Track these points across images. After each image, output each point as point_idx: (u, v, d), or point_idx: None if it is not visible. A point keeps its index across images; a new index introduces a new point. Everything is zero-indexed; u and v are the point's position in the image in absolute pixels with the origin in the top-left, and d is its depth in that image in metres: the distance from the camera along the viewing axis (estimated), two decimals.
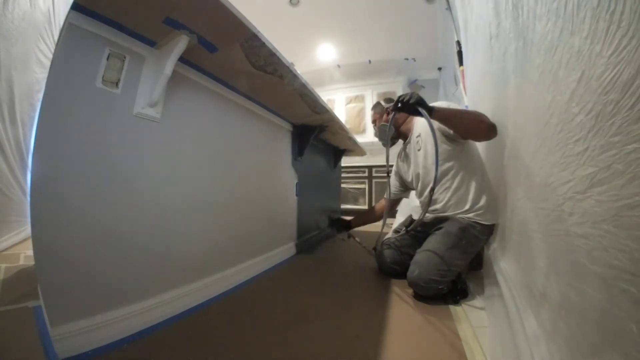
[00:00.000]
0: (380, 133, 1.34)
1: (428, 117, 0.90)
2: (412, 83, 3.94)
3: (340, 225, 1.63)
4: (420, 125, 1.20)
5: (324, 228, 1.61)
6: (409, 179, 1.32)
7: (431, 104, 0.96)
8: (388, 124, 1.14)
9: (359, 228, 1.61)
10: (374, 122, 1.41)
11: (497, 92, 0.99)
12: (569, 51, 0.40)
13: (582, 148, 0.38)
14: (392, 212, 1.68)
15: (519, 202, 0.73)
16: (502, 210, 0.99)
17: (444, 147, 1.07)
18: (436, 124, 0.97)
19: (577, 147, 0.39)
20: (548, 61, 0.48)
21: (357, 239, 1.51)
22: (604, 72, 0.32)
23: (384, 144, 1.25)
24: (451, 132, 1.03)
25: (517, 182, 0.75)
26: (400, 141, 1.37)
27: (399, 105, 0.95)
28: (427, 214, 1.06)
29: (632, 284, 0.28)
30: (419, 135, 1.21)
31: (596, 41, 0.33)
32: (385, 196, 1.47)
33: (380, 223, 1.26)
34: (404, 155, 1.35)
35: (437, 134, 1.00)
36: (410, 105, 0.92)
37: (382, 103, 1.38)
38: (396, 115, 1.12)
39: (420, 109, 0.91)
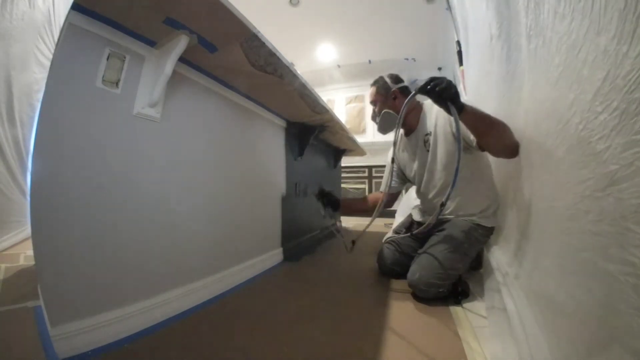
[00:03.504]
0: (383, 122, 1.11)
1: (457, 119, 0.74)
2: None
3: (329, 200, 1.33)
4: (432, 122, 1.07)
5: (314, 203, 1.37)
6: (411, 174, 1.22)
7: None
8: (399, 116, 0.90)
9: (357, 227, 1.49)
10: (373, 102, 1.17)
11: (501, 92, 0.98)
12: (594, 50, 0.40)
13: (604, 146, 0.37)
14: (388, 207, 1.33)
15: (527, 202, 0.73)
16: (506, 211, 0.98)
17: (455, 154, 0.89)
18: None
19: (599, 145, 0.39)
20: (571, 60, 0.47)
21: (340, 230, 1.34)
22: (630, 72, 0.32)
23: (383, 132, 1.10)
24: (471, 139, 0.90)
25: (526, 182, 0.74)
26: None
27: (428, 88, 0.75)
28: (429, 216, 1.04)
29: None
30: (428, 134, 1.08)
31: (622, 42, 0.33)
32: (381, 189, 1.30)
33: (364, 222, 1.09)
34: (406, 147, 1.21)
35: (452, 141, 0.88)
36: (442, 98, 0.74)
37: (387, 80, 1.13)
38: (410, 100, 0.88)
39: (452, 108, 0.74)
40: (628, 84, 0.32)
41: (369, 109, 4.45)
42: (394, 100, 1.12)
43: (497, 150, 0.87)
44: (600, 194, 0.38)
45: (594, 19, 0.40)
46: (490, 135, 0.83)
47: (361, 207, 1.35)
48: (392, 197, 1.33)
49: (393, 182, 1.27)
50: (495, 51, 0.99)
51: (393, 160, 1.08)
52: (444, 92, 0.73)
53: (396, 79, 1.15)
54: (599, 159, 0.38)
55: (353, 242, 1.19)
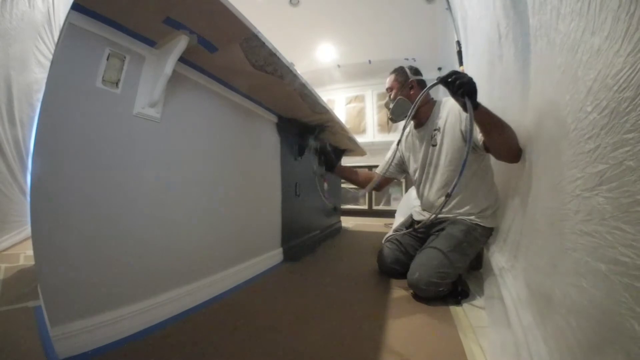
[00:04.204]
0: (396, 108, 1.12)
1: (472, 114, 0.75)
2: None
3: (326, 159, 1.38)
4: (442, 119, 1.09)
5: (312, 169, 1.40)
6: (411, 170, 1.24)
7: None
8: (413, 104, 0.93)
9: (358, 225, 1.53)
10: (390, 88, 1.18)
11: (504, 93, 0.98)
12: (589, 50, 0.40)
13: (593, 145, 0.38)
14: (377, 190, 1.42)
15: (524, 203, 0.73)
16: (505, 212, 0.98)
17: (462, 153, 0.92)
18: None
19: (588, 144, 0.39)
20: (570, 60, 0.47)
21: (325, 184, 1.39)
22: (620, 70, 0.32)
23: (393, 120, 1.13)
24: (478, 138, 0.93)
25: (524, 183, 0.75)
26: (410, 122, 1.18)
27: (449, 80, 0.76)
28: (429, 214, 1.05)
29: (639, 279, 0.29)
30: (437, 129, 1.09)
31: (615, 41, 0.33)
32: (377, 170, 1.33)
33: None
34: (413, 139, 1.22)
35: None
36: (460, 93, 0.75)
37: (407, 71, 1.16)
38: (426, 91, 0.92)
39: (468, 103, 0.75)
40: (618, 83, 0.32)
41: (369, 109, 4.41)
42: (410, 90, 1.14)
43: (501, 152, 0.89)
44: (588, 193, 0.38)
45: (589, 19, 0.40)
46: (498, 137, 0.85)
47: (354, 178, 1.39)
48: (385, 181, 1.37)
49: (391, 168, 1.30)
50: (503, 50, 0.99)
51: (399, 144, 1.11)
52: (463, 86, 0.74)
53: (415, 71, 1.18)
54: (588, 159, 0.39)
55: (335, 208, 1.25)
